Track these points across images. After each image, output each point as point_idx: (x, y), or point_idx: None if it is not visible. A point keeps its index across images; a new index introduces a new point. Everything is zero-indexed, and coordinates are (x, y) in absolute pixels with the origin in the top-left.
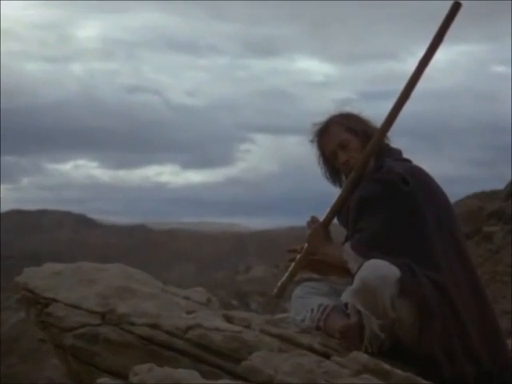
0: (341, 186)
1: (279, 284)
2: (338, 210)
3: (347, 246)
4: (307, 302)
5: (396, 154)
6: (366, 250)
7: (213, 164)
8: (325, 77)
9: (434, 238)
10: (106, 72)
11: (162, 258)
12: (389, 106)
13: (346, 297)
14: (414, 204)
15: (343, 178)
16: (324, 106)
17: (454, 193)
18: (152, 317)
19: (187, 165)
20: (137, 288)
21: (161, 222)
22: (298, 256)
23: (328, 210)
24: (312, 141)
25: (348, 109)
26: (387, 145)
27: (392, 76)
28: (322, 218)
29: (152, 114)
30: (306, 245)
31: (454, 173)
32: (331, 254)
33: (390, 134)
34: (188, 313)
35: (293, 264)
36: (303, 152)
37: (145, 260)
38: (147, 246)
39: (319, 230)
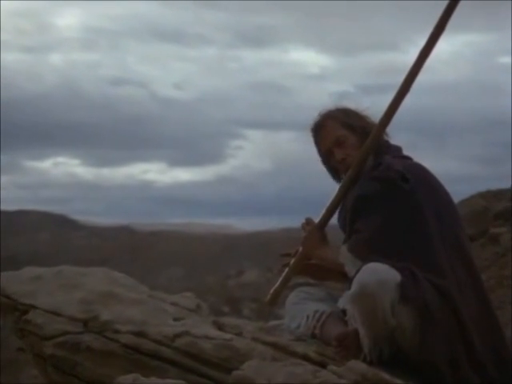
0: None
1: (272, 290)
2: (335, 210)
3: (344, 248)
4: (302, 308)
5: (396, 150)
6: (364, 253)
7: (202, 161)
8: (321, 69)
9: (436, 239)
10: (88, 63)
11: (148, 261)
12: (388, 99)
13: (343, 302)
14: (414, 203)
15: (341, 176)
16: (320, 100)
17: (458, 192)
18: (137, 324)
19: (175, 162)
20: (121, 293)
21: (147, 222)
22: (293, 260)
23: (324, 210)
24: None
25: (345, 103)
26: (386, 141)
27: (392, 68)
28: (317, 219)
29: (137, 108)
30: (301, 248)
31: (458, 170)
32: (327, 258)
33: (389, 129)
34: (176, 320)
35: (287, 269)
36: (298, 148)
37: (130, 263)
38: (132, 248)
39: (314, 232)
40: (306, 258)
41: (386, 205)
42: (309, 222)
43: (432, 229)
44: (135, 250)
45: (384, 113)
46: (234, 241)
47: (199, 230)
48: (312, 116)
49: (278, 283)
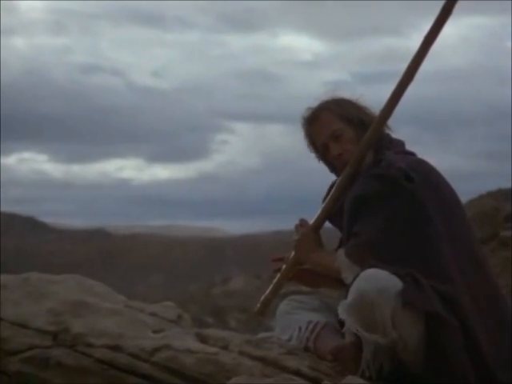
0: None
1: (262, 298)
2: (331, 211)
3: (341, 252)
4: (294, 318)
5: (398, 145)
6: (363, 258)
7: (184, 157)
8: (314, 55)
9: (443, 243)
10: (57, 48)
11: (125, 267)
12: (389, 89)
13: (339, 312)
14: (418, 203)
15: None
16: (313, 90)
17: (466, 191)
18: (113, 337)
19: (154, 158)
20: (95, 303)
21: (123, 225)
22: (284, 265)
23: (319, 211)
24: (302, 126)
25: (341, 93)
26: (387, 135)
27: (393, 54)
28: (312, 221)
29: (111, 98)
30: (293, 252)
31: (465, 167)
32: (322, 263)
33: (390, 122)
34: (155, 332)
35: (278, 275)
36: (290, 143)
37: (105, 270)
38: (107, 253)
39: (308, 234)
40: (299, 263)
41: (388, 205)
42: (303, 223)
43: (438, 232)
44: (110, 255)
45: (385, 104)
46: (219, 245)
47: (181, 233)
48: (305, 107)
49: (268, 291)
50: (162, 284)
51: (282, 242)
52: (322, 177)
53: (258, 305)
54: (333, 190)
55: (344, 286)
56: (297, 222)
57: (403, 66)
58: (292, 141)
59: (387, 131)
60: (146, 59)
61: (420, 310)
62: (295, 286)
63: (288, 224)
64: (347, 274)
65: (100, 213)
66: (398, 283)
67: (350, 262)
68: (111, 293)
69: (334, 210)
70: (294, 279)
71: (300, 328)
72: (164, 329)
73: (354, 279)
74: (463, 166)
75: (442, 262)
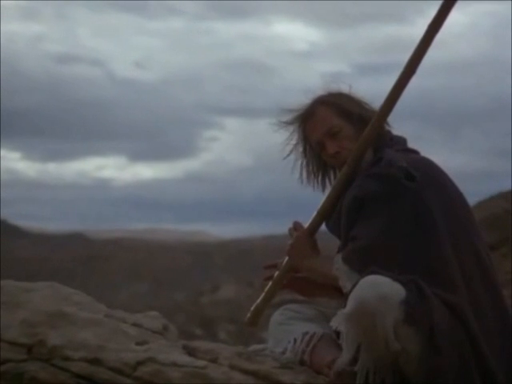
0: (330, 185)
1: (253, 308)
2: (327, 213)
3: (338, 258)
4: (289, 329)
5: (399, 143)
6: (362, 264)
7: (169, 155)
8: (310, 45)
9: (448, 248)
10: (30, 36)
11: (105, 274)
12: (392, 81)
13: (336, 322)
14: (421, 205)
15: (332, 175)
16: (309, 82)
17: (475, 192)
18: (92, 349)
19: (136, 156)
20: (73, 313)
21: (103, 229)
22: (277, 272)
23: (314, 213)
24: (286, 125)
25: (339, 86)
26: (388, 132)
27: (396, 43)
28: (307, 224)
29: (90, 91)
30: (287, 258)
31: (475, 166)
32: (318, 270)
33: (390, 117)
34: (138, 344)
35: (270, 283)
36: (284, 140)
37: (84, 277)
38: (87, 259)
39: (303, 238)
40: (293, 269)
41: (388, 207)
42: (297, 226)
43: (443, 236)
44: (90, 261)
45: (386, 98)
46: (207, 250)
47: (166, 237)
48: (299, 101)
49: (259, 300)
50: (146, 292)
51: (276, 248)
52: None
53: (249, 315)
54: (329, 191)
55: (342, 295)
56: (291, 225)
57: (407, 56)
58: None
59: (388, 127)
60: (128, 48)
61: (424, 321)
62: (289, 294)
63: (282, 228)
64: (345, 282)
65: (78, 216)
66: (400, 291)
67: (349, 269)
68: (91, 302)
69: (330, 213)
70: (287, 287)
71: (295, 340)
72: (148, 341)
73: (353, 287)
74: (472, 165)
75: (447, 269)
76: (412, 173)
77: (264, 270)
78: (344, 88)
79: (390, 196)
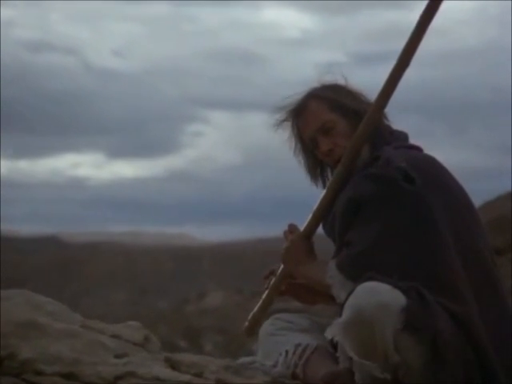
0: (325, 184)
1: (250, 317)
2: (323, 215)
3: (332, 265)
4: (280, 340)
5: (400, 138)
6: (357, 271)
7: (151, 152)
8: (303, 32)
9: (452, 253)
10: None
11: (81, 281)
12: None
13: (332, 332)
14: (421, 209)
15: (329, 173)
16: (302, 72)
17: (481, 191)
18: (67, 363)
19: (115, 153)
20: (46, 323)
21: (79, 232)
22: (273, 279)
23: (310, 215)
24: (280, 122)
25: (335, 78)
26: (388, 127)
27: (395, 30)
28: (303, 227)
29: (64, 82)
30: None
31: (482, 164)
32: (311, 277)
33: (390, 111)
34: (117, 357)
35: (267, 290)
36: (276, 135)
37: (58, 284)
38: (61, 265)
39: (298, 242)
40: (290, 275)
41: (385, 211)
42: (292, 229)
43: (445, 241)
44: (65, 267)
45: (379, 92)
46: (193, 255)
47: (148, 241)
48: (292, 94)
49: (256, 308)
50: (126, 301)
51: (266, 252)
52: None
53: (247, 323)
54: (324, 192)
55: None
56: (285, 227)
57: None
58: (278, 132)
59: (386, 122)
60: (106, 36)
61: (426, 331)
62: (283, 302)
63: (273, 231)
64: (339, 291)
65: (52, 218)
66: (401, 298)
67: (343, 277)
68: (65, 311)
69: (326, 215)
70: (286, 294)
71: (287, 352)
72: (128, 353)
73: (350, 294)
74: (478, 162)
75: (451, 276)
76: (411, 174)
77: (263, 281)
78: (340, 80)
79: (388, 199)
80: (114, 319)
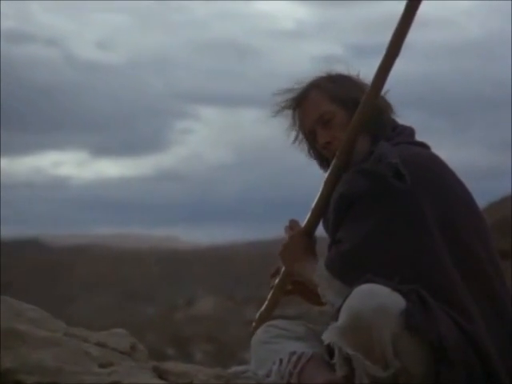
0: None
1: (257, 317)
2: (322, 211)
3: (321, 263)
4: (274, 348)
5: (403, 134)
6: (344, 270)
7: (137, 150)
8: (298, 23)
9: (445, 257)
10: None
11: (64, 286)
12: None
13: (327, 337)
14: (413, 209)
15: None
16: (297, 66)
17: (485, 191)
18: (49, 372)
19: (99, 151)
20: (28, 331)
21: (62, 234)
22: (278, 278)
23: (310, 211)
24: (279, 111)
25: (343, 67)
26: (393, 121)
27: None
28: (303, 223)
29: (46, 75)
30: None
31: (486, 162)
32: (305, 275)
33: (398, 107)
34: (102, 366)
35: (272, 289)
36: (269, 132)
37: (40, 290)
38: (43, 269)
39: (297, 239)
40: (291, 274)
41: (375, 208)
42: (293, 224)
43: (438, 243)
44: (47, 271)
45: (371, 83)
46: (182, 258)
47: (134, 243)
48: (296, 81)
49: (263, 308)
50: (112, 307)
51: (260, 255)
52: (310, 174)
53: (254, 324)
54: (321, 187)
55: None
56: (280, 229)
57: (410, 35)
58: (272, 129)
59: (393, 116)
60: (90, 27)
61: (427, 335)
62: (278, 308)
63: (267, 233)
64: (326, 291)
65: (33, 219)
66: (400, 301)
67: (330, 276)
68: (48, 318)
69: (324, 211)
70: (292, 293)
71: (281, 360)
72: (113, 362)
73: (347, 297)
74: (482, 161)
75: (443, 280)
76: (401, 171)
77: (270, 280)
78: (348, 70)
79: (377, 196)
80: (98, 326)
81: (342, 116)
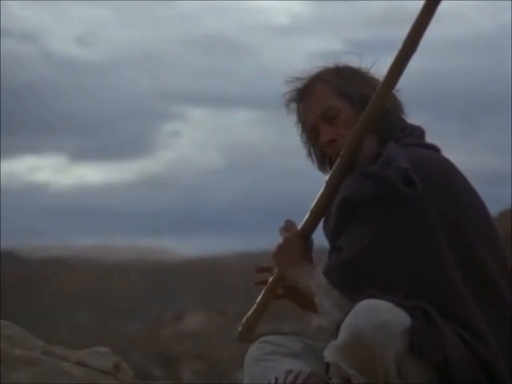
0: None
1: (244, 321)
2: (321, 213)
3: (319, 270)
4: (269, 366)
5: (413, 135)
6: (343, 280)
7: (120, 154)
8: (293, 18)
9: (452, 269)
10: None
11: (42, 302)
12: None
13: (327, 355)
14: (419, 216)
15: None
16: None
17: (497, 198)
18: None
19: (79, 155)
20: (3, 350)
21: (39, 245)
22: (270, 279)
23: (308, 213)
24: (289, 103)
25: (353, 60)
26: (401, 120)
27: (397, 15)
28: (300, 225)
29: (21, 73)
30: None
31: (497, 167)
32: (300, 281)
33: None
34: None
35: (262, 292)
36: (263, 135)
37: (16, 305)
38: (19, 283)
39: (293, 241)
40: (284, 278)
41: (380, 215)
42: (288, 226)
43: (445, 256)
44: (23, 286)
45: (384, 78)
46: (168, 271)
47: (117, 255)
48: (303, 70)
49: (250, 311)
50: (93, 323)
51: (253, 267)
52: (308, 180)
53: (240, 328)
54: (323, 188)
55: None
56: (274, 240)
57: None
58: (266, 131)
59: (402, 115)
60: (69, 22)
61: (433, 355)
62: (273, 324)
63: (260, 243)
64: (322, 300)
65: (8, 230)
66: (404, 318)
67: (328, 285)
68: (25, 335)
69: (324, 213)
70: (283, 298)
71: (277, 379)
72: (95, 383)
73: (347, 313)
74: (493, 165)
75: (458, 297)
76: (412, 177)
77: (256, 275)
78: (359, 63)
79: (383, 202)
80: (79, 344)
81: (348, 112)
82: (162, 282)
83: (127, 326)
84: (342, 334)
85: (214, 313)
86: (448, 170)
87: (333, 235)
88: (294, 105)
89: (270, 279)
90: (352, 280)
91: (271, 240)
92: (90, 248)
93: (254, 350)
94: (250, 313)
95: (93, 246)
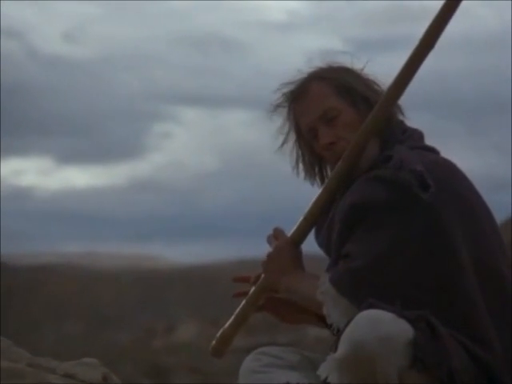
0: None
1: (219, 334)
2: (316, 220)
3: (325, 279)
4: (265, 378)
5: (413, 138)
6: (354, 289)
7: (109, 156)
8: (290, 15)
9: (469, 278)
10: None
11: (28, 311)
12: (397, 59)
13: (326, 370)
14: (435, 224)
15: (329, 170)
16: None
17: (502, 204)
18: None
19: (66, 157)
20: None
21: (25, 252)
22: (252, 290)
23: (301, 219)
24: (275, 108)
25: (346, 60)
26: (401, 123)
27: (401, 12)
28: (291, 232)
29: (6, 71)
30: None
31: (504, 171)
32: (298, 291)
33: (403, 106)
34: None
35: (242, 303)
36: (258, 136)
37: (0, 315)
38: (3, 292)
39: (284, 249)
40: (270, 288)
41: (394, 221)
42: (277, 234)
43: (463, 263)
44: (8, 294)
45: (394, 79)
46: (160, 279)
47: (106, 263)
48: (292, 74)
49: (227, 324)
50: (81, 333)
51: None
52: (307, 184)
53: (214, 342)
54: (320, 192)
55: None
56: (271, 232)
57: (416, 29)
58: (261, 133)
59: (401, 117)
60: (55, 17)
61: (437, 368)
62: (269, 335)
63: (256, 250)
64: (331, 310)
65: None
66: (407, 330)
67: (337, 293)
68: (9, 346)
69: (319, 219)
70: (264, 310)
71: None
72: None
73: (347, 324)
74: (500, 169)
75: (468, 306)
76: (427, 180)
77: (235, 286)
78: (352, 63)
79: (398, 207)
80: (66, 356)
81: (348, 114)
82: (154, 290)
83: (116, 336)
84: (342, 347)
85: (208, 323)
86: (456, 175)
87: (338, 242)
88: (284, 107)
89: (251, 290)
90: (364, 288)
91: (268, 247)
92: (78, 255)
93: (249, 361)
94: (226, 325)
95: (80, 252)
